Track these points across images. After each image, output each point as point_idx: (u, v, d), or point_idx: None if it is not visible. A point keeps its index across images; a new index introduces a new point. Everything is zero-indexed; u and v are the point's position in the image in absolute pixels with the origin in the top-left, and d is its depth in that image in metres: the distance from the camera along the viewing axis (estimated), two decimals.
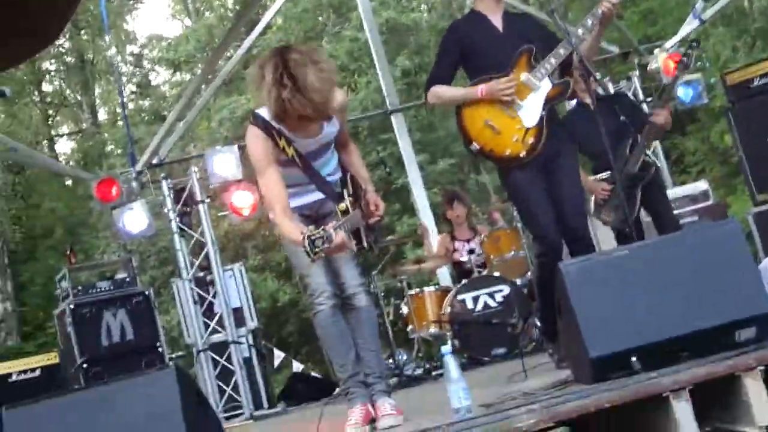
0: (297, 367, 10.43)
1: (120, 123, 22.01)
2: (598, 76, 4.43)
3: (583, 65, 4.31)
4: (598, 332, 3.37)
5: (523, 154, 4.33)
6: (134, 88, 25.86)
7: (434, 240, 8.85)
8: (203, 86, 10.27)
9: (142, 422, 3.20)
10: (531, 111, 4.34)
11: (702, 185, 8.81)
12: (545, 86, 4.36)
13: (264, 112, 3.98)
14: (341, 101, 4.11)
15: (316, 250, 3.48)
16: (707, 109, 13.49)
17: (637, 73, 10.45)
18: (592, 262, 3.61)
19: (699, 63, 10.88)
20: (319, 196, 4.21)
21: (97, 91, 25.41)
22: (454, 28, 4.74)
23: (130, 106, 24.38)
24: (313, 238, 3.48)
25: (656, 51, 10.64)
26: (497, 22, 4.52)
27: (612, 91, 6.01)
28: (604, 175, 5.95)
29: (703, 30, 11.81)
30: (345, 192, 4.24)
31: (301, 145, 4.06)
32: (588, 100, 5.55)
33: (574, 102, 5.81)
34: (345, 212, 4.13)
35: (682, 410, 2.95)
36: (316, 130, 4.05)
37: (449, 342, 7.07)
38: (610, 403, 3.00)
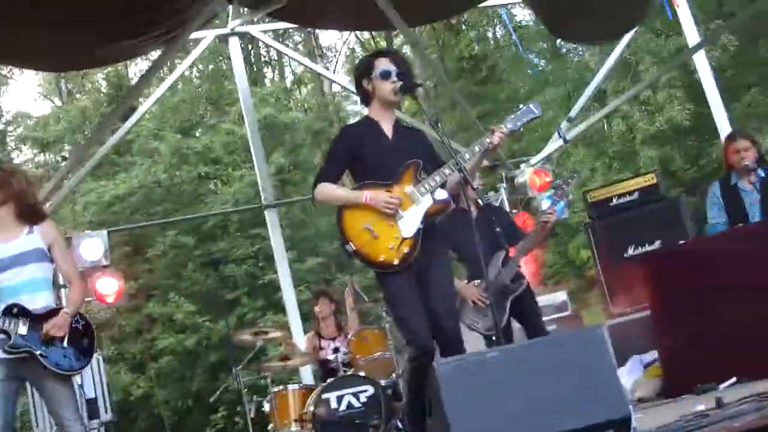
0: None
1: None
2: (476, 185, 4.59)
3: (464, 176, 4.44)
4: None
5: (396, 261, 4.41)
6: None
7: (300, 340, 8.79)
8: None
9: None
10: (410, 222, 4.44)
11: (561, 296, 9.15)
12: (426, 201, 4.48)
13: None
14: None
15: None
16: (565, 224, 14.16)
17: (504, 185, 10.89)
18: (465, 362, 3.70)
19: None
20: None
21: None
22: (344, 132, 4.85)
23: None
24: None
25: (522, 166, 11.19)
26: (388, 130, 4.65)
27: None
28: (478, 282, 6.08)
29: (565, 149, 12.50)
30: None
31: None
32: (467, 207, 5.73)
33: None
34: None
35: None
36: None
37: None
38: None
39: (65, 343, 4.64)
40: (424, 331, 4.42)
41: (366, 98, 4.75)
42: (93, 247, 8.86)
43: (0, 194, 4.74)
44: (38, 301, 4.68)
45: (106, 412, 8.51)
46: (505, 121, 4.62)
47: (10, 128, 26.28)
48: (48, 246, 4.77)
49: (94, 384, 8.55)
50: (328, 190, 4.57)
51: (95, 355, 8.78)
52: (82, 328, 4.81)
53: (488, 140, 4.49)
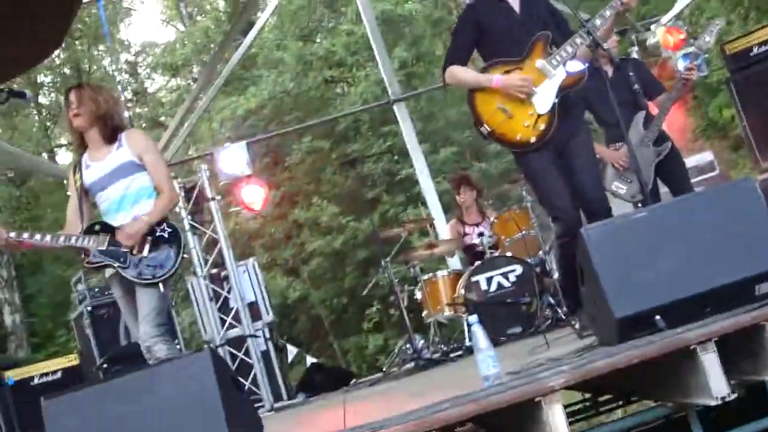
0: (311, 361, 10.44)
1: None
2: (606, 46, 4.45)
3: (593, 39, 4.32)
4: (622, 293, 3.43)
5: (533, 139, 4.36)
6: (131, 96, 25.91)
7: (444, 228, 8.90)
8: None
9: (181, 404, 3.26)
10: (544, 97, 4.35)
11: (707, 156, 8.82)
12: (560, 74, 4.38)
13: None
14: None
15: None
16: (704, 84, 13.54)
17: (636, 49, 10.52)
18: (612, 226, 3.69)
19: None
20: None
21: None
22: (471, 7, 4.71)
23: (128, 114, 24.43)
24: None
25: (653, 26, 10.71)
26: (514, 2, 4.54)
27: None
28: (619, 145, 5.95)
29: (696, 4, 11.89)
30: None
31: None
32: (602, 66, 5.57)
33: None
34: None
35: (710, 361, 3.01)
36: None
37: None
38: (639, 359, 3.05)
39: (146, 252, 4.65)
40: (569, 205, 4.41)
41: None
42: (235, 157, 9.09)
43: (87, 115, 4.78)
44: (139, 210, 4.73)
45: (267, 313, 8.90)
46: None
47: (140, 58, 27.12)
48: (138, 156, 4.78)
49: (254, 288, 8.93)
50: (457, 72, 4.53)
51: (250, 261, 9.27)
52: (168, 236, 4.73)
53: (619, 1, 4.33)
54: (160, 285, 4.60)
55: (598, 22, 4.37)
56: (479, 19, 4.55)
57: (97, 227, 4.71)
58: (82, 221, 4.79)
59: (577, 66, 4.44)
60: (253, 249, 18.50)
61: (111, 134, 4.81)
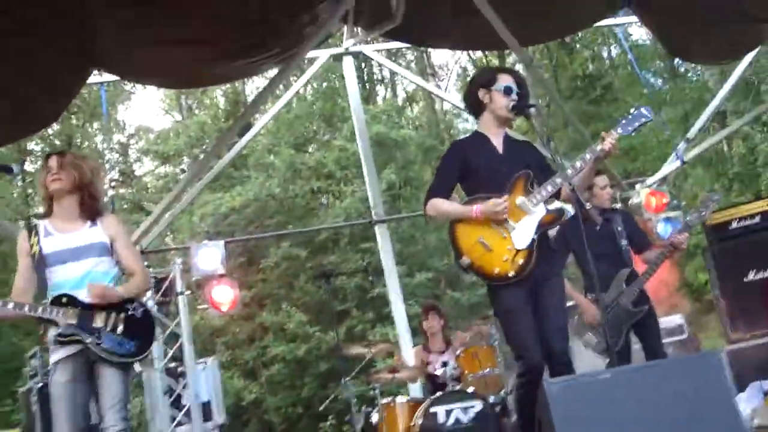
0: None
1: None
2: (588, 206, 4.54)
3: (574, 195, 4.42)
4: None
5: (511, 273, 4.40)
6: (117, 176, 26.02)
7: (408, 352, 8.84)
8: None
9: None
10: (523, 233, 4.42)
11: (678, 319, 8.91)
12: (539, 212, 4.46)
13: None
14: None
15: None
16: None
17: (618, 205, 10.71)
18: (575, 383, 3.69)
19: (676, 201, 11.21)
20: None
21: None
22: (456, 145, 4.87)
23: (112, 193, 24.47)
24: None
25: (638, 186, 10.98)
26: (498, 143, 4.66)
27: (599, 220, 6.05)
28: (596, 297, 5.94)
29: (682, 170, 12.22)
30: None
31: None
32: (591, 217, 5.65)
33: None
34: None
35: None
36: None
37: None
38: None
39: (119, 331, 4.39)
40: (535, 347, 4.41)
41: (477, 109, 4.76)
42: (211, 256, 9.09)
43: (68, 181, 4.56)
44: None
45: (219, 415, 8.75)
46: (616, 125, 4.55)
47: (132, 141, 27.37)
48: (111, 240, 4.58)
49: (209, 388, 8.81)
50: (439, 204, 4.60)
51: (210, 360, 9.18)
52: (141, 315, 4.52)
53: (599, 147, 4.44)
54: (136, 366, 4.42)
55: (578, 164, 4.48)
56: (465, 157, 4.65)
57: (64, 299, 4.42)
58: (35, 290, 4.49)
59: (556, 204, 4.50)
60: (214, 346, 18.30)
61: (88, 209, 4.61)
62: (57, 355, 4.42)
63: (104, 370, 4.36)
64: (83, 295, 4.43)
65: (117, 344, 4.38)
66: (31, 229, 4.58)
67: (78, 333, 4.35)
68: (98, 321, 4.41)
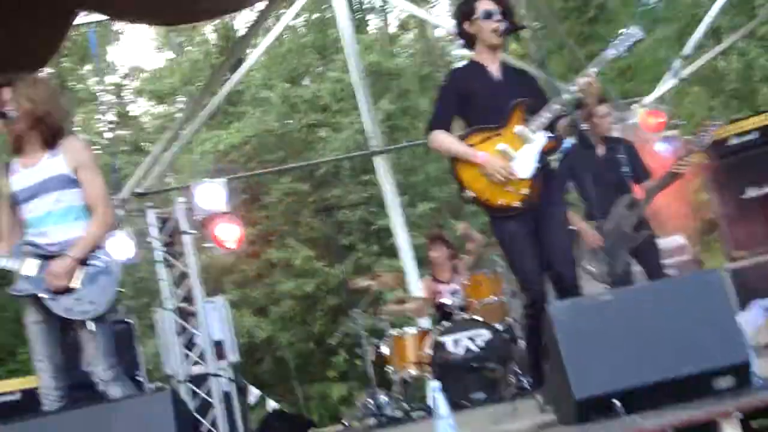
0: (271, 405, 10.38)
1: (99, 151, 22.00)
2: (584, 127, 4.55)
3: (574, 120, 4.44)
4: (584, 375, 3.52)
5: (516, 204, 4.43)
6: (114, 118, 25.90)
7: (415, 283, 8.93)
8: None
9: None
10: (525, 162, 4.44)
11: (679, 239, 8.93)
12: (539, 139, 4.47)
13: None
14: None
15: None
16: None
17: (616, 126, 10.68)
18: (579, 305, 3.79)
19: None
20: None
21: (76, 118, 25.41)
22: (451, 75, 4.88)
23: (109, 135, 24.40)
24: None
25: (634, 106, 10.94)
26: (495, 71, 4.66)
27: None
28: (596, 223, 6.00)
29: (679, 88, 12.16)
30: None
31: None
32: (595, 143, 5.69)
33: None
34: None
35: None
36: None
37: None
38: None
39: (78, 284, 4.15)
40: (537, 276, 4.49)
41: (469, 41, 4.75)
42: (212, 193, 9.03)
43: (23, 117, 4.24)
44: (65, 233, 4.24)
45: (233, 353, 8.86)
46: (608, 47, 4.50)
47: (126, 81, 27.15)
48: (74, 169, 4.27)
49: (221, 327, 8.89)
50: (442, 139, 4.60)
51: (220, 298, 9.25)
52: (102, 267, 4.24)
53: (575, 87, 4.42)
54: (91, 324, 4.14)
55: (566, 96, 4.46)
56: (461, 86, 4.66)
57: (26, 248, 4.22)
58: (13, 232, 4.31)
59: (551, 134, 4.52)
60: (223, 285, 18.41)
61: (47, 137, 4.29)
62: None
63: (70, 327, 4.22)
64: (45, 238, 4.23)
65: (73, 300, 4.15)
66: (3, 167, 4.37)
67: (32, 288, 4.16)
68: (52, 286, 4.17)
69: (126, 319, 8.50)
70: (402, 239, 10.76)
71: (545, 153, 4.51)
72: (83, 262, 4.20)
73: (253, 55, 12.21)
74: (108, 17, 8.89)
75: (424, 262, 8.67)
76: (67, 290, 4.15)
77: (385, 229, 16.10)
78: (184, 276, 9.08)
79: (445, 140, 4.60)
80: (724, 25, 17.17)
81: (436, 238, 8.41)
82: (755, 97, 17.61)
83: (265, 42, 11.70)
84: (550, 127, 4.51)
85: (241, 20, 23.67)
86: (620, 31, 4.54)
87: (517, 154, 4.45)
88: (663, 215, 6.81)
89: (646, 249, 6.06)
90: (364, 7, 26.53)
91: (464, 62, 4.98)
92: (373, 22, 27.25)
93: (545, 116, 4.47)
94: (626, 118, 10.78)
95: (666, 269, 6.45)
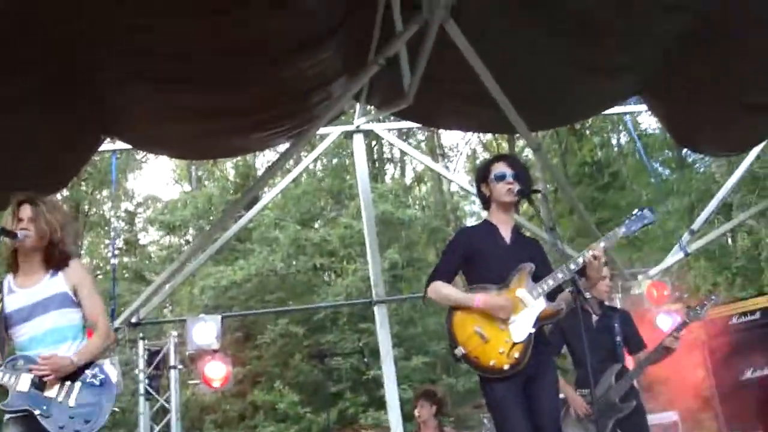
0: None
1: (101, 277, 22.06)
2: (587, 296, 4.53)
3: (575, 286, 4.40)
4: None
5: (506, 367, 4.37)
6: (121, 245, 26.07)
7: None
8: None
9: None
10: (521, 326, 4.42)
11: (672, 416, 8.80)
12: (539, 305, 4.47)
13: None
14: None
15: None
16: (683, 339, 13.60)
17: (619, 296, 10.63)
18: None
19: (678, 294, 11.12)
20: None
21: (85, 242, 25.61)
22: (463, 231, 5.04)
23: (114, 261, 24.51)
24: None
25: (640, 277, 10.90)
26: (506, 233, 4.72)
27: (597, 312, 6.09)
28: (586, 391, 5.93)
29: (686, 262, 12.14)
30: None
31: None
32: (590, 310, 5.67)
33: None
34: None
35: None
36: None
37: None
38: None
39: (72, 403, 4.06)
40: None
41: (485, 202, 4.86)
42: (206, 330, 9.05)
43: (37, 236, 4.27)
44: (61, 353, 4.16)
45: None
46: (619, 225, 4.61)
47: (140, 209, 27.47)
48: (73, 288, 4.30)
49: None
50: (441, 287, 4.61)
51: None
52: (100, 383, 4.16)
53: (580, 259, 4.46)
54: None
55: (580, 260, 4.48)
56: (472, 243, 4.70)
57: (20, 362, 4.12)
58: (1, 352, 4.18)
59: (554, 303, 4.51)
60: (203, 423, 18.01)
61: (54, 261, 4.32)
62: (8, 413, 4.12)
63: None
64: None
65: (68, 418, 4.01)
66: None
67: (26, 404, 4.03)
68: (51, 390, 4.09)
69: None
70: (391, 392, 10.47)
71: (542, 319, 4.49)
72: (78, 377, 4.13)
73: (269, 195, 12.35)
74: (133, 147, 9.02)
75: (411, 416, 8.42)
76: (61, 401, 4.05)
77: (376, 380, 15.84)
78: (164, 411, 8.89)
79: (445, 288, 4.60)
80: (735, 202, 17.36)
81: (420, 397, 8.24)
82: (761, 277, 17.57)
83: (283, 183, 11.84)
84: (552, 295, 4.51)
85: (262, 159, 24.24)
86: (634, 211, 4.66)
87: (516, 317, 4.43)
88: (658, 390, 6.66)
89: (633, 420, 5.92)
90: (384, 156, 27.12)
91: (478, 221, 5.09)
92: (390, 172, 27.79)
93: (548, 283, 4.49)
94: (631, 288, 10.74)
95: None
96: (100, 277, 22.30)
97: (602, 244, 4.48)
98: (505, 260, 4.58)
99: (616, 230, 4.57)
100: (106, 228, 24.75)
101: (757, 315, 8.18)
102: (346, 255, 19.95)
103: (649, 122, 22.01)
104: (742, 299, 8.70)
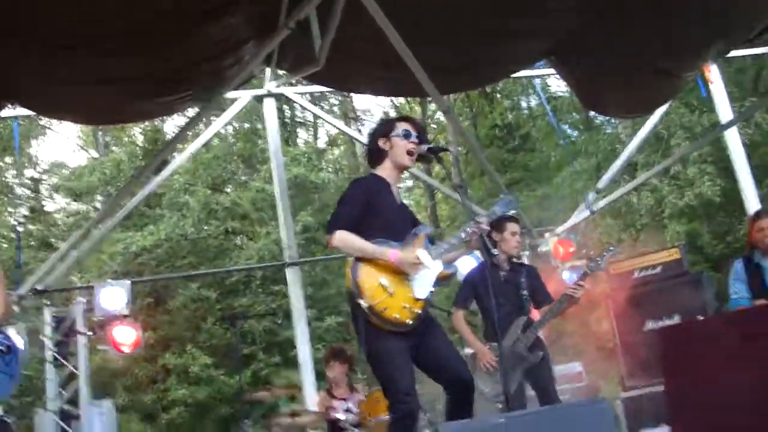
0: None
1: (6, 245, 21.44)
2: (495, 252, 4.61)
3: (482, 242, 4.46)
4: None
5: (410, 321, 4.35)
6: (26, 212, 25.34)
7: (312, 398, 8.72)
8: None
9: None
10: (422, 284, 4.44)
11: (576, 367, 9.08)
12: (437, 267, 4.50)
13: None
14: None
15: None
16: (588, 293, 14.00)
17: (527, 253, 10.86)
18: (470, 428, 3.67)
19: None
20: None
21: None
22: (361, 183, 4.74)
23: (20, 229, 23.83)
24: None
25: (547, 235, 11.16)
26: (396, 193, 4.72)
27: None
28: (494, 344, 6.03)
29: (592, 220, 12.45)
30: None
31: None
32: (500, 263, 5.78)
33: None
34: None
35: None
36: None
37: None
38: None
39: None
40: (414, 392, 4.32)
41: (377, 158, 4.76)
42: (115, 295, 8.96)
43: None
44: None
45: None
46: (493, 205, 4.76)
47: (45, 177, 26.73)
48: None
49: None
50: (351, 238, 4.43)
51: (107, 403, 8.88)
52: (6, 351, 4.23)
53: (464, 232, 4.54)
54: None
55: (462, 235, 4.56)
56: (371, 195, 4.60)
57: None
58: None
59: (450, 267, 4.61)
60: (114, 387, 17.80)
61: None
62: None
63: None
64: None
65: None
66: None
67: None
68: None
69: (4, 418, 8.08)
70: (304, 352, 10.51)
71: (439, 281, 4.54)
72: None
73: (179, 159, 12.09)
74: (36, 113, 8.74)
75: (324, 376, 8.45)
76: None
77: (288, 341, 15.89)
78: (72, 377, 8.76)
79: (355, 240, 4.44)
80: (640, 161, 17.84)
81: (331, 357, 8.23)
82: (664, 233, 18.14)
83: (192, 146, 11.61)
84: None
85: (171, 123, 23.78)
86: (501, 195, 4.93)
87: (417, 276, 4.43)
88: (564, 342, 6.86)
89: (540, 371, 6.06)
90: (295, 120, 26.94)
91: (369, 175, 4.89)
92: (303, 136, 27.64)
93: (444, 247, 4.55)
94: (539, 246, 10.99)
95: (563, 394, 6.44)
96: (5, 245, 21.66)
97: (483, 218, 4.53)
98: (396, 220, 4.58)
99: (494, 209, 4.71)
100: (10, 195, 23.96)
101: (659, 269, 8.44)
102: (258, 219, 19.86)
103: (558, 85, 22.43)
104: (644, 254, 8.94)
